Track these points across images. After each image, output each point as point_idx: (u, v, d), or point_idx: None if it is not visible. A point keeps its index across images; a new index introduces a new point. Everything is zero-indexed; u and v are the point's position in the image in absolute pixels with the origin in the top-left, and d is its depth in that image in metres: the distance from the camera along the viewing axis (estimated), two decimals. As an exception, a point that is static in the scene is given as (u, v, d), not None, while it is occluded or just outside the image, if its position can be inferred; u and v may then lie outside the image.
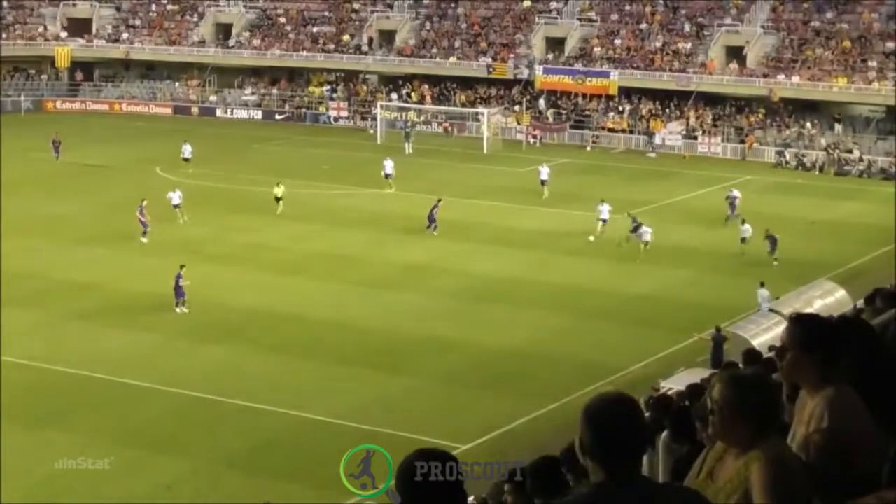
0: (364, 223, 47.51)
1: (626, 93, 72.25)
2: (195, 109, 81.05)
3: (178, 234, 45.13)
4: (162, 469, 24.93)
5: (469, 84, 77.07)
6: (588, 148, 68.97)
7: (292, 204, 49.62)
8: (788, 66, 69.52)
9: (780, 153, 64.81)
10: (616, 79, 71.55)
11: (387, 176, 54.30)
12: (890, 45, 68.05)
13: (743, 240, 42.59)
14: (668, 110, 70.88)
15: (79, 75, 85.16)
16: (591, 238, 43.99)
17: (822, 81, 67.35)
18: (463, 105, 75.23)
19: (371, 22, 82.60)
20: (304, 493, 23.26)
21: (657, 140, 68.34)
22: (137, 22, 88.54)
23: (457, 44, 79.21)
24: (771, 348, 15.57)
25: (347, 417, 27.35)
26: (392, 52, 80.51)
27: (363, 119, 76.11)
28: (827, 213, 51.32)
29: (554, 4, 79.48)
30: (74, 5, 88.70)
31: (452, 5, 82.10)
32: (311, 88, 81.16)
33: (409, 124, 71.19)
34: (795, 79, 67.87)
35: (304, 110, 79.13)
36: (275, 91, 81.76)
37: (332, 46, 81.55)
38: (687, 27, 75.00)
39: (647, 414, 9.72)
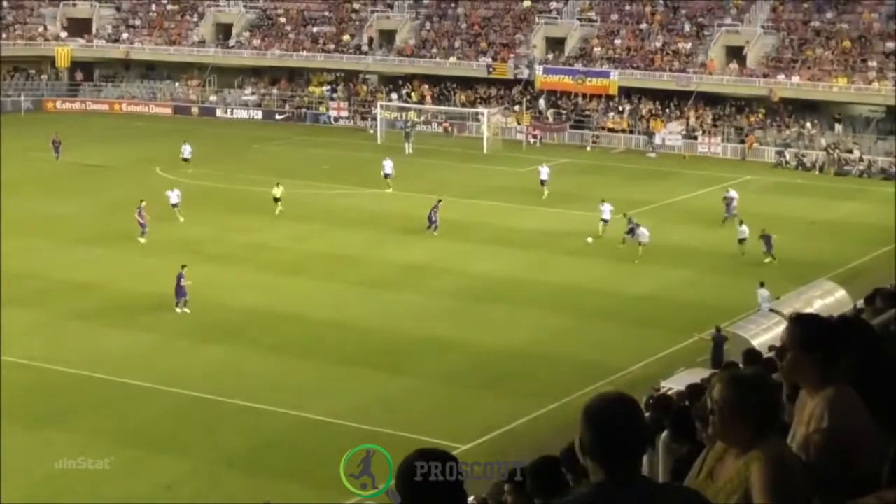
0: (364, 223, 47.51)
1: (626, 93, 72.25)
2: (195, 109, 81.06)
3: (177, 234, 45.14)
4: (162, 469, 24.93)
5: (469, 84, 77.07)
6: (588, 148, 68.98)
7: (292, 204, 49.63)
8: (788, 66, 69.52)
9: (780, 153, 64.81)
10: (616, 79, 71.56)
11: (386, 176, 54.30)
12: (890, 45, 68.05)
13: (741, 241, 42.56)
14: (668, 110, 70.88)
15: (79, 75, 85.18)
16: (590, 240, 43.84)
17: (822, 81, 67.35)
18: (463, 105, 75.24)
19: (371, 22, 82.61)
20: (304, 493, 23.26)
21: (657, 140, 68.34)
22: (137, 22, 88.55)
23: (457, 44, 79.22)
24: (771, 348, 15.58)
25: (347, 417, 27.35)
26: (392, 52, 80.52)
27: (363, 119, 76.12)
28: (827, 213, 51.32)
29: (554, 4, 79.48)
30: (74, 5, 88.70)
31: (452, 5, 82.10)
32: (311, 88, 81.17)
33: (409, 124, 71.19)
34: (795, 79, 67.87)
35: (304, 110, 79.14)
36: (275, 91, 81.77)
37: (332, 46, 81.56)
38: (687, 27, 75.00)
39: (647, 414, 9.72)
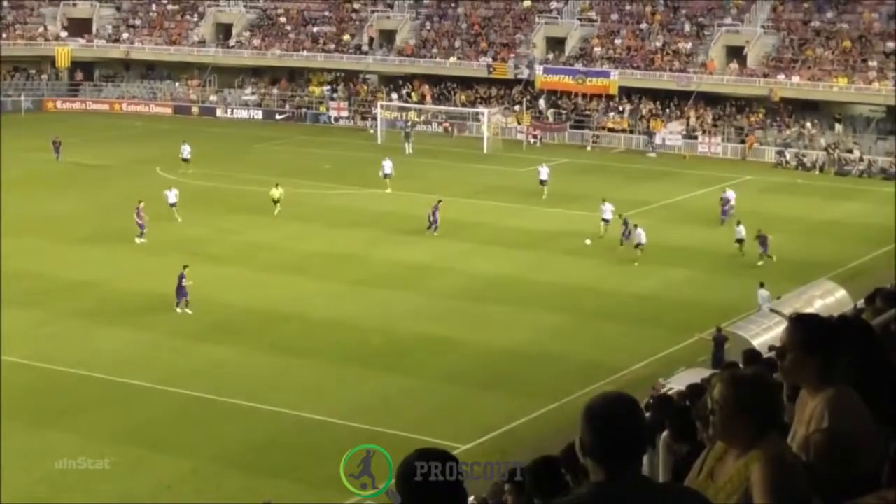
0: (364, 223, 47.51)
1: (627, 93, 72.26)
2: (195, 109, 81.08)
3: (178, 234, 45.15)
4: (162, 468, 24.92)
5: (469, 84, 77.09)
6: (588, 148, 69.00)
7: (293, 204, 49.65)
8: (789, 65, 69.53)
9: (780, 153, 64.83)
10: (616, 79, 71.57)
11: (385, 176, 54.28)
12: (890, 44, 68.05)
13: (738, 241, 42.50)
14: (668, 110, 70.90)
15: (79, 75, 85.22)
16: (588, 241, 43.71)
17: (823, 81, 67.37)
18: (463, 105, 75.26)
19: (371, 22, 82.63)
20: (304, 493, 23.27)
21: (657, 140, 68.37)
22: (138, 22, 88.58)
23: (457, 44, 79.23)
24: (771, 348, 15.57)
25: (347, 417, 27.34)
26: (392, 52, 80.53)
27: (363, 119, 76.15)
28: (827, 213, 51.34)
29: (554, 4, 79.49)
30: (75, 5, 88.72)
31: (453, 5, 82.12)
32: (311, 88, 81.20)
33: (409, 124, 71.22)
34: (796, 79, 67.88)
35: (304, 110, 79.16)
36: (275, 91, 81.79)
37: (332, 46, 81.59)
38: (687, 27, 75.01)
39: (647, 414, 9.71)
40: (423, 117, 74.92)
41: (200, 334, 33.62)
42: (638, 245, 41.93)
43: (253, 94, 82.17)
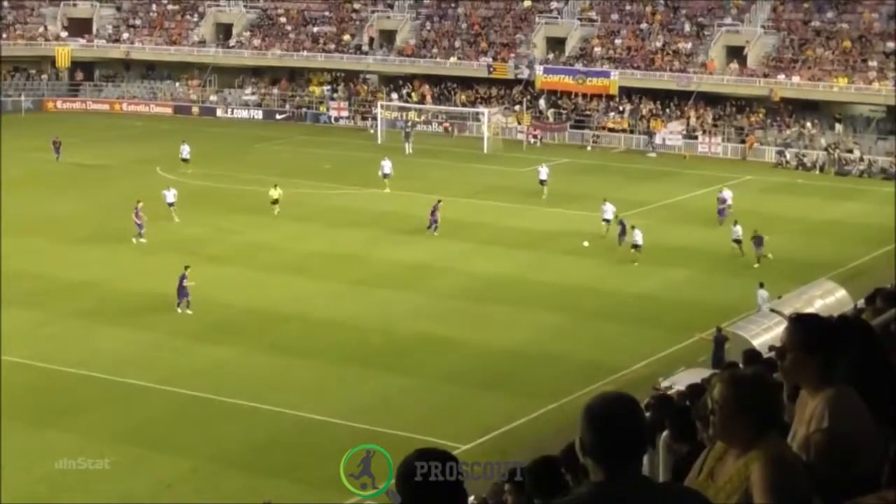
0: (364, 223, 47.52)
1: (627, 93, 72.26)
2: (196, 109, 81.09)
3: (178, 234, 45.16)
4: (162, 468, 24.93)
5: (469, 84, 77.10)
6: (588, 148, 69.00)
7: (293, 204, 49.65)
8: (789, 65, 69.53)
9: (780, 153, 64.84)
10: (616, 79, 71.58)
11: (385, 176, 54.26)
12: (890, 44, 68.05)
13: (735, 241, 42.45)
14: (668, 110, 70.90)
15: (79, 75, 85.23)
16: (586, 244, 43.55)
17: (823, 81, 67.37)
18: (463, 105, 75.27)
19: (371, 22, 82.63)
20: (304, 493, 23.27)
21: (657, 140, 68.37)
22: (138, 22, 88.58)
23: (457, 44, 79.23)
24: (771, 348, 15.56)
25: (347, 417, 27.34)
26: (392, 52, 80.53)
27: (364, 119, 76.15)
28: (827, 213, 51.34)
29: (554, 4, 79.50)
30: (75, 5, 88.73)
31: (453, 5, 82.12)
32: (311, 88, 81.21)
33: (409, 124, 71.23)
34: (796, 79, 67.88)
35: (304, 110, 79.18)
36: (275, 91, 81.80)
37: (332, 46, 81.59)
38: (687, 27, 75.01)
39: (647, 414, 9.71)
40: (423, 117, 74.93)
41: (200, 334, 33.62)
42: (635, 246, 41.84)
43: (253, 94, 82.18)
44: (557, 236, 45.42)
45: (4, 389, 28.24)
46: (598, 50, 75.02)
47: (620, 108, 71.99)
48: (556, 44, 77.40)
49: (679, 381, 23.96)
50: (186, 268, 35.78)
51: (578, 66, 73.85)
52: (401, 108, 75.54)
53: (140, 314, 35.39)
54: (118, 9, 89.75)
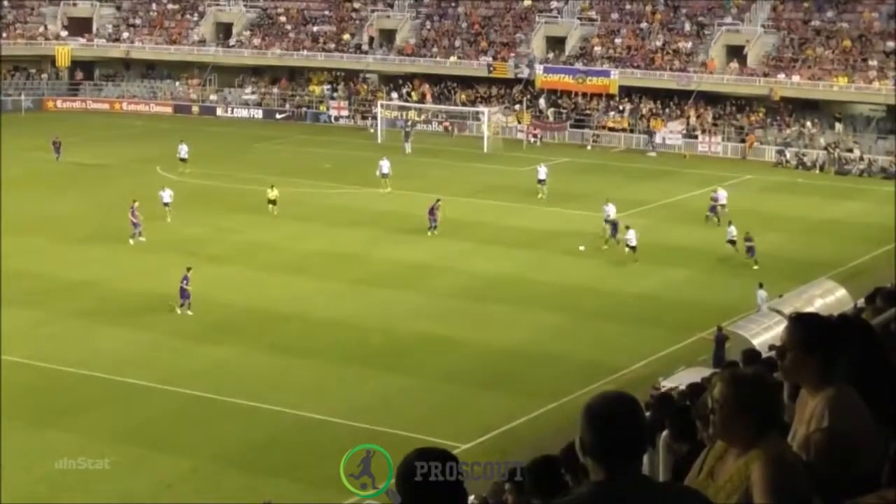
0: (364, 222, 47.51)
1: (627, 92, 72.25)
2: (196, 108, 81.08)
3: (177, 234, 45.15)
4: (162, 468, 24.93)
5: (469, 83, 77.09)
6: (588, 147, 68.99)
7: (293, 203, 49.64)
8: (789, 65, 69.52)
9: (780, 152, 64.82)
10: (616, 78, 71.56)
11: (383, 176, 54.21)
12: (890, 44, 68.04)
13: (730, 241, 42.37)
14: (668, 109, 70.89)
15: (79, 74, 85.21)
16: (582, 248, 43.15)
17: (823, 80, 67.35)
18: (463, 104, 75.26)
19: (371, 21, 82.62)
20: (304, 493, 23.28)
21: (657, 139, 68.36)
22: (138, 21, 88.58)
23: (457, 43, 79.22)
24: (771, 347, 15.55)
25: (347, 417, 27.35)
26: (392, 52, 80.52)
27: (364, 118, 76.15)
28: (827, 213, 51.33)
29: (554, 3, 79.48)
30: (75, 4, 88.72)
31: (453, 4, 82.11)
32: (311, 88, 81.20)
33: (409, 124, 71.23)
34: (796, 78, 67.87)
35: (304, 109, 79.16)
36: (275, 90, 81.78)
37: (332, 45, 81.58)
38: (687, 26, 75.01)
39: (647, 413, 9.70)
40: (423, 116, 74.93)
41: (200, 334, 33.63)
42: (630, 247, 41.58)
43: (253, 93, 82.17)
44: (557, 236, 45.41)
45: (4, 389, 28.24)
46: (598, 49, 75.01)
47: (620, 108, 71.98)
48: (555, 43, 77.39)
49: (679, 381, 23.97)
50: (188, 269, 35.76)
51: (578, 66, 73.84)
52: (401, 108, 75.55)
53: (140, 314, 35.38)
54: (118, 8, 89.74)
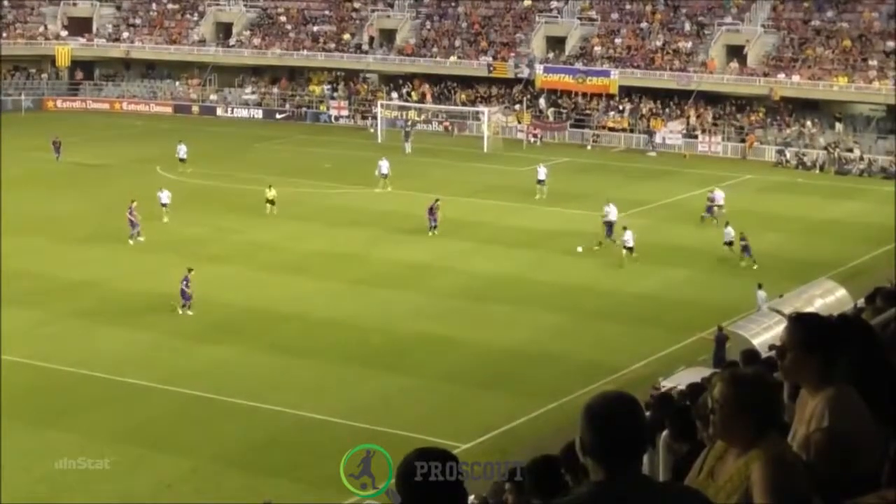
0: (364, 222, 47.50)
1: (627, 92, 72.25)
2: (196, 108, 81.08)
3: (177, 234, 45.13)
4: (162, 468, 24.92)
5: (469, 83, 77.09)
6: (588, 147, 69.00)
7: (293, 203, 49.64)
8: (789, 65, 69.53)
9: (780, 152, 64.82)
10: (616, 78, 71.56)
11: (383, 176, 54.19)
12: (890, 44, 68.04)
13: (727, 243, 42.30)
14: (668, 109, 70.89)
15: (79, 74, 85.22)
16: (580, 249, 42.92)
17: (823, 80, 67.36)
18: (463, 104, 75.26)
19: (371, 21, 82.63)
20: (304, 493, 23.27)
21: (657, 139, 68.36)
22: (138, 21, 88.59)
23: (457, 43, 79.22)
24: (771, 347, 15.55)
25: (347, 417, 27.34)
26: (392, 51, 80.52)
27: (364, 118, 76.15)
28: (827, 213, 51.33)
29: (554, 3, 79.49)
30: (75, 4, 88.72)
31: (453, 4, 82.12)
32: (311, 87, 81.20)
33: (408, 124, 71.24)
34: (796, 78, 67.87)
35: (304, 109, 79.16)
36: (275, 90, 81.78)
37: (332, 45, 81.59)
38: (687, 26, 75.01)
39: (647, 413, 9.70)
40: (423, 116, 74.94)
41: (200, 334, 33.62)
42: (627, 248, 41.46)
43: (253, 93, 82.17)
44: (557, 236, 45.39)
45: (4, 389, 28.24)
46: (598, 49, 75.01)
47: (620, 108, 71.98)
48: (556, 43, 77.39)
49: (679, 381, 23.97)
50: (190, 270, 35.73)
51: (578, 66, 73.84)
52: (401, 108, 75.55)
53: (140, 314, 35.38)
54: (118, 8, 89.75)
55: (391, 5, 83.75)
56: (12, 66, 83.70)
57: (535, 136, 70.18)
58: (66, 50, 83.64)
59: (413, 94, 77.83)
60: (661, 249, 42.64)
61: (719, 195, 49.25)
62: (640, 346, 32.56)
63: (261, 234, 45.48)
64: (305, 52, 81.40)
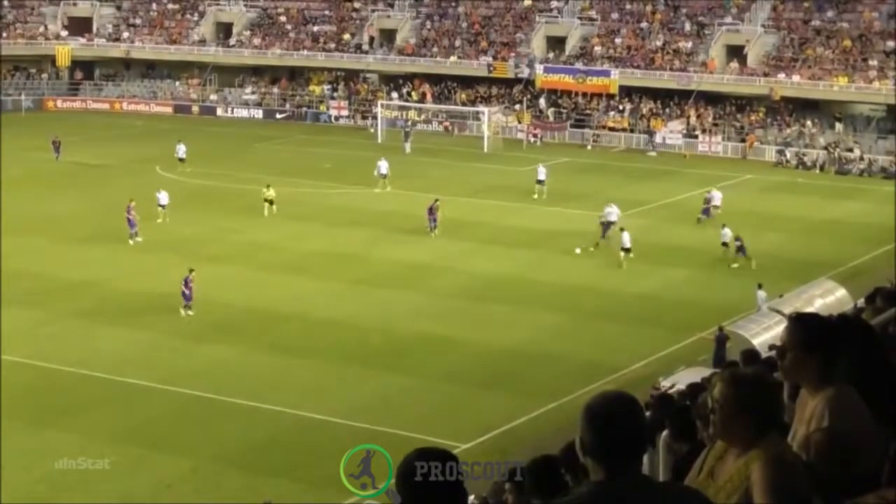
0: (364, 222, 47.50)
1: (627, 92, 72.26)
2: (196, 108, 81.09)
3: (177, 234, 45.11)
4: (162, 468, 24.92)
5: (469, 83, 77.10)
6: (588, 147, 69.01)
7: (293, 203, 49.64)
8: (789, 65, 69.53)
9: (780, 152, 64.83)
10: (616, 78, 71.57)
11: (382, 176, 54.17)
12: (890, 43, 68.05)
13: (725, 244, 42.28)
14: (668, 109, 70.89)
15: (79, 74, 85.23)
16: (578, 251, 42.80)
17: (823, 80, 67.36)
18: (463, 104, 75.27)
19: (372, 21, 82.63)
20: (304, 493, 23.27)
21: (658, 139, 68.37)
22: (138, 21, 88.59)
23: (457, 43, 79.22)
24: (771, 347, 15.55)
25: (347, 417, 27.34)
26: (393, 51, 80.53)
27: (364, 118, 76.16)
28: (827, 212, 51.33)
29: (554, 3, 79.49)
30: (75, 4, 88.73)
31: (453, 4, 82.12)
32: (311, 87, 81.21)
33: (409, 124, 71.25)
34: (796, 78, 67.88)
35: (304, 109, 79.16)
36: (275, 90, 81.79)
37: (332, 45, 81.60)
38: (687, 26, 75.02)
39: (647, 413, 9.70)
40: (423, 116, 74.94)
41: (200, 334, 33.62)
42: (624, 249, 41.40)
43: (253, 93, 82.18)
44: (557, 235, 45.38)
45: (4, 389, 28.24)
46: (598, 49, 75.02)
47: (620, 108, 71.98)
48: (556, 43, 77.40)
49: (679, 381, 23.96)
50: (191, 271, 35.71)
51: (579, 66, 73.85)
52: (401, 108, 75.56)
53: (140, 314, 35.37)
54: (118, 8, 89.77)
55: (391, 5, 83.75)
56: (12, 66, 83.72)
57: (535, 136, 70.19)
58: (66, 50, 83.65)
59: (413, 94, 77.84)
60: (661, 249, 42.64)
61: (717, 195, 49.22)
62: (640, 346, 32.55)
63: (261, 234, 45.48)
64: (305, 52, 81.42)
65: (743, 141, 67.02)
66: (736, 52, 71.72)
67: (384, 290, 38.05)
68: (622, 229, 42.13)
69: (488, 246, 43.86)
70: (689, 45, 73.44)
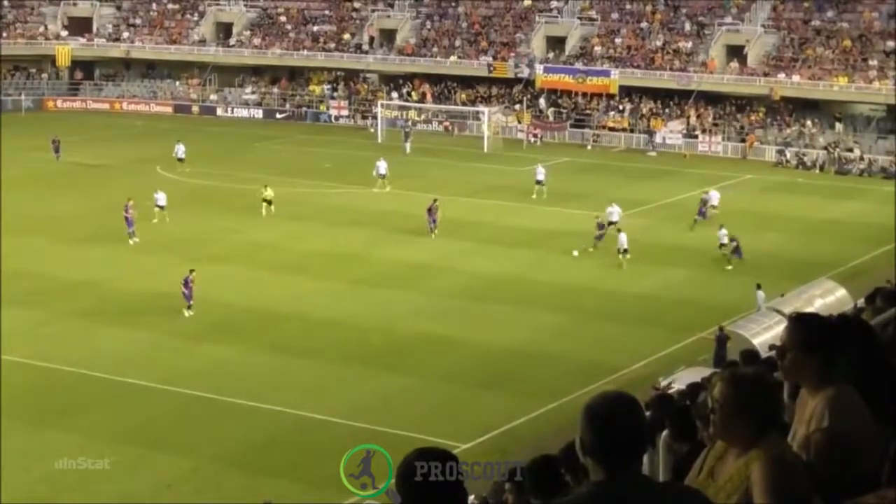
0: (364, 222, 47.50)
1: (627, 92, 72.27)
2: (196, 108, 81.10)
3: (177, 234, 45.12)
4: (162, 468, 24.92)
5: (469, 83, 77.11)
6: (588, 147, 69.01)
7: (293, 203, 49.63)
8: (789, 65, 69.53)
9: (780, 152, 64.83)
10: (616, 78, 71.58)
11: (381, 176, 54.15)
12: (890, 43, 68.05)
13: (722, 245, 42.25)
14: (668, 109, 70.90)
15: (79, 74, 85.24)
16: (576, 253, 42.69)
17: (823, 80, 67.36)
18: (463, 104, 75.28)
19: (372, 21, 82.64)
20: (304, 493, 23.26)
21: (658, 139, 68.38)
22: (138, 21, 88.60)
23: (457, 43, 79.23)
24: (771, 347, 15.55)
25: (347, 416, 27.34)
26: (393, 51, 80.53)
27: (364, 118, 76.17)
28: (827, 212, 51.33)
29: (554, 3, 79.50)
30: (75, 4, 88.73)
31: (453, 4, 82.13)
32: (311, 87, 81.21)
33: (409, 124, 71.25)
34: (796, 78, 67.88)
35: (304, 109, 79.17)
36: (275, 90, 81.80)
37: (332, 45, 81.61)
38: (687, 26, 75.02)
39: (647, 413, 9.69)
40: (423, 116, 74.95)
41: (200, 334, 33.62)
42: (622, 250, 41.32)
43: (253, 93, 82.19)
44: (557, 236, 45.38)
45: (4, 389, 28.23)
46: (598, 49, 75.02)
47: (620, 108, 71.99)
48: (556, 43, 77.40)
49: (679, 380, 23.95)
50: (192, 271, 35.70)
51: (578, 66, 73.85)
52: (401, 107, 75.57)
53: (140, 314, 35.37)
54: (118, 8, 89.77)
55: (391, 5, 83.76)
56: (12, 66, 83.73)
57: (535, 136, 70.19)
58: (66, 50, 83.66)
59: (413, 94, 77.85)
60: (661, 249, 42.64)
61: (715, 196, 49.20)
62: (640, 346, 32.55)
63: (261, 234, 45.48)
64: (305, 52, 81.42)
65: (743, 141, 67.03)
66: (736, 52, 71.73)
67: (384, 290, 38.05)
68: (619, 231, 42.10)
69: (488, 246, 43.85)
70: (689, 45, 73.44)
